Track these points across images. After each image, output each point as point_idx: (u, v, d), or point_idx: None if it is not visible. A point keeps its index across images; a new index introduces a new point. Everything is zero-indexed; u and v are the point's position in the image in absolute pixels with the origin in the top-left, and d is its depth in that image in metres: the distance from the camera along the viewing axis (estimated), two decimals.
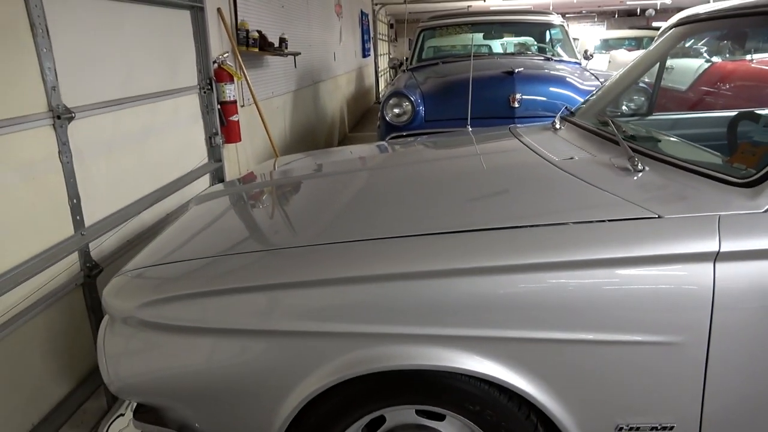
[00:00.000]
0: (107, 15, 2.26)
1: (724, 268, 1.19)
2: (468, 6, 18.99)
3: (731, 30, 2.64)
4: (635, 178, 1.51)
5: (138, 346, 1.36)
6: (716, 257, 1.19)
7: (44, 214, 1.87)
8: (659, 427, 1.30)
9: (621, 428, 1.30)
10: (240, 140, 3.63)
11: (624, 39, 14.41)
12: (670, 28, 6.31)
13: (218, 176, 3.35)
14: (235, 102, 3.51)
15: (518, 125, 2.56)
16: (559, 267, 1.23)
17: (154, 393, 1.38)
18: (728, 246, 1.19)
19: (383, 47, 17.75)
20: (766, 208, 1.24)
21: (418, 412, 1.42)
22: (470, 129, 2.74)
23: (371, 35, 13.69)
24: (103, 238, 2.17)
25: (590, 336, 1.23)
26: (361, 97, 11.82)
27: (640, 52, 9.44)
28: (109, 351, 1.37)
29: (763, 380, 1.25)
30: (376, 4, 14.82)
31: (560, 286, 1.22)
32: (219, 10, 3.60)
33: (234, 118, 3.53)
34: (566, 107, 2.49)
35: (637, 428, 1.30)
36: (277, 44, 4.36)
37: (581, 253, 1.23)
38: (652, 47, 2.55)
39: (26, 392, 1.78)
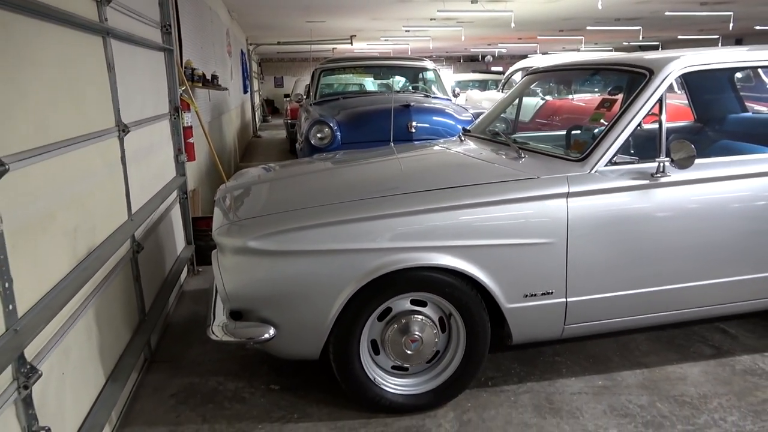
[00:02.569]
0: (131, 56, 2.95)
1: (572, 200, 2.30)
2: (333, 48, 20.46)
3: (564, 78, 3.97)
4: (521, 162, 2.61)
5: (245, 267, 2.14)
6: (567, 195, 2.30)
7: (115, 202, 2.52)
8: (545, 293, 2.35)
9: (526, 295, 2.34)
10: (195, 159, 4.30)
11: (471, 81, 16.59)
12: (513, 73, 8.31)
13: (183, 189, 4.00)
14: (191, 127, 4.20)
15: (432, 140, 3.63)
16: (489, 204, 2.25)
17: (252, 298, 2.15)
18: (573, 189, 2.31)
19: (255, 84, 18.46)
20: (588, 171, 2.38)
21: (411, 302, 2.34)
22: (393, 145, 3.75)
23: (248, 73, 14.43)
24: (143, 224, 2.82)
25: (506, 241, 2.26)
26: (244, 130, 12.46)
27: (490, 92, 11.21)
28: (224, 273, 2.13)
29: (597, 261, 2.35)
30: (251, 44, 15.63)
31: (491, 215, 2.24)
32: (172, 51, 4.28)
33: (190, 140, 4.21)
34: (462, 128, 3.60)
35: (534, 294, 2.35)
36: (210, 80, 5.08)
37: (499, 196, 2.27)
38: (513, 90, 3.76)
39: (113, 329, 2.41)
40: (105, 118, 2.42)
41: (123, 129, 2.60)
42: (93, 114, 2.26)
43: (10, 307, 1.48)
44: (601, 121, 2.71)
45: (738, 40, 19.67)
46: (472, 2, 9.49)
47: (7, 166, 1.43)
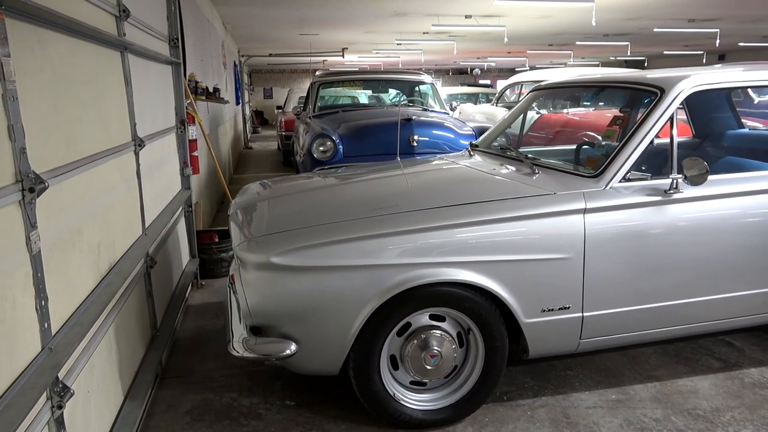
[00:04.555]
0: (144, 70, 2.95)
1: (589, 216, 2.33)
2: (324, 60, 20.53)
3: (570, 94, 4.03)
4: (535, 177, 2.64)
5: (267, 282, 2.13)
6: (584, 211, 2.33)
7: (131, 216, 2.51)
8: (562, 307, 2.38)
9: (543, 310, 2.36)
10: (199, 172, 4.29)
11: (461, 94, 16.67)
12: (507, 88, 8.38)
13: (188, 202, 3.98)
14: (195, 140, 4.20)
15: (439, 155, 3.66)
16: (509, 220, 2.28)
17: (274, 314, 2.15)
18: (589, 205, 2.34)
19: (245, 95, 18.45)
20: (603, 188, 2.42)
21: (430, 317, 2.35)
22: (399, 159, 3.77)
23: (240, 84, 14.41)
24: (156, 239, 2.80)
25: (525, 256, 2.28)
26: (236, 141, 12.43)
27: (484, 105, 11.30)
28: (246, 289, 2.13)
29: (613, 276, 2.38)
30: (243, 56, 15.64)
31: (510, 230, 2.27)
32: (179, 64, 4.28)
33: (195, 153, 4.20)
34: (470, 143, 3.64)
35: (551, 309, 2.37)
36: (212, 92, 5.08)
37: (517, 212, 2.29)
38: (519, 104, 3.81)
39: (130, 345, 2.39)
40: (123, 132, 2.42)
41: (139, 143, 2.59)
42: (113, 128, 2.26)
43: (46, 325, 1.47)
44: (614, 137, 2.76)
45: (721, 56, 20.09)
46: (466, 17, 9.61)
47: (46, 183, 1.43)
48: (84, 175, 1.84)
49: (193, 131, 4.12)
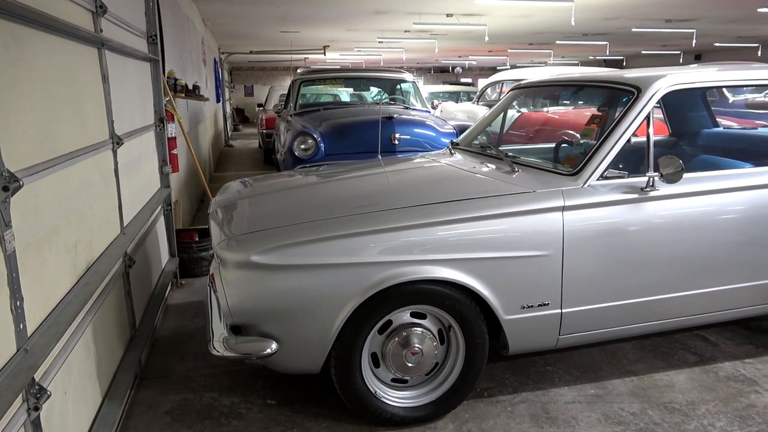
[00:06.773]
0: (122, 67, 2.91)
1: (567, 214, 2.36)
2: (305, 58, 20.44)
3: (549, 92, 4.07)
4: (514, 176, 2.66)
5: (248, 281, 2.12)
6: (563, 208, 2.36)
7: (109, 215, 2.48)
8: (542, 304, 2.40)
9: (523, 306, 2.39)
10: (178, 170, 4.25)
11: (442, 92, 16.70)
12: (487, 86, 8.44)
13: (167, 201, 3.94)
14: (175, 138, 4.15)
15: (420, 153, 3.67)
16: (489, 217, 2.29)
17: (255, 313, 2.14)
18: (568, 203, 2.37)
19: (226, 93, 18.28)
20: (581, 185, 2.45)
21: (411, 315, 2.36)
22: (380, 157, 3.78)
23: (221, 82, 14.29)
24: (135, 238, 2.77)
25: (505, 254, 2.31)
26: (217, 139, 12.32)
27: (465, 104, 11.33)
28: (226, 288, 2.12)
29: (591, 273, 2.42)
30: (223, 53, 15.50)
31: (489, 228, 2.29)
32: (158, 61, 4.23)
33: (174, 151, 4.16)
34: (451, 141, 3.66)
35: (531, 306, 2.39)
36: (192, 90, 5.03)
37: (497, 210, 2.31)
38: (499, 103, 3.83)
39: (108, 345, 2.36)
40: (100, 129, 2.39)
41: (117, 141, 2.56)
42: (91, 126, 2.23)
43: (21, 326, 1.45)
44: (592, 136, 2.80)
45: (697, 56, 20.44)
46: (447, 16, 9.64)
47: (21, 182, 1.41)
48: (61, 173, 1.81)
49: (172, 129, 4.08)
